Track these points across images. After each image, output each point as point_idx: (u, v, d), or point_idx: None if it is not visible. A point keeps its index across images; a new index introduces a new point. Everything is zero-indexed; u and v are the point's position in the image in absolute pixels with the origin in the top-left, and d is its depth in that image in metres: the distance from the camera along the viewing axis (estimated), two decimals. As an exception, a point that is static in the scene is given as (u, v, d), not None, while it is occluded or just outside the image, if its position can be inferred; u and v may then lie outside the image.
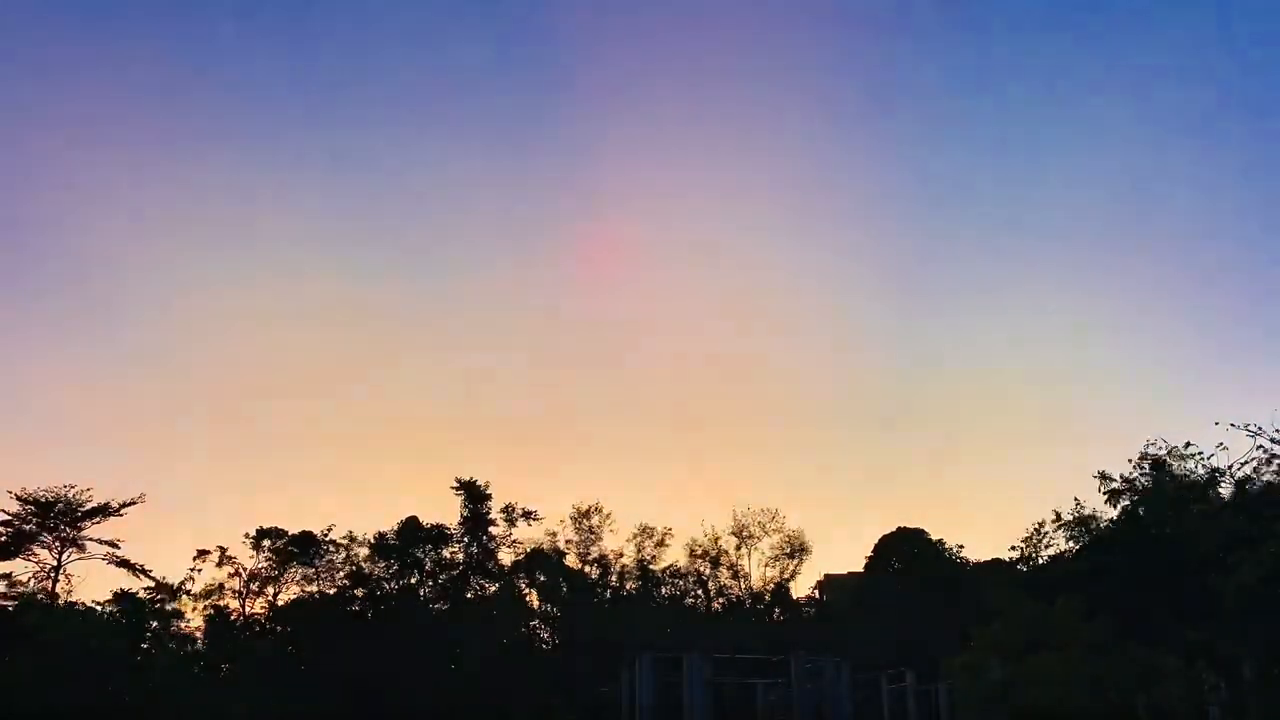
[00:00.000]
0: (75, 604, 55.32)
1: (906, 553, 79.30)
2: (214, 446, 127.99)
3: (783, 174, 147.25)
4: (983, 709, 28.08)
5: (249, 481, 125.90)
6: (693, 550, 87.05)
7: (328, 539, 76.67)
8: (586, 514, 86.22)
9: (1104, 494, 72.27)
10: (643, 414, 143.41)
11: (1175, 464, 67.67)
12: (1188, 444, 66.49)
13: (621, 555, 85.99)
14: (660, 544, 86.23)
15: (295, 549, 76.08)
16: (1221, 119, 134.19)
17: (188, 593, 73.36)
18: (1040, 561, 78.72)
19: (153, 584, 64.25)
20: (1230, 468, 60.72)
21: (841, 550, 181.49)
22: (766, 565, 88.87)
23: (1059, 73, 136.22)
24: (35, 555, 61.34)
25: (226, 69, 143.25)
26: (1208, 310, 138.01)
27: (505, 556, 75.89)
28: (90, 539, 62.79)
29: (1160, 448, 68.58)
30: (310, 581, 76.39)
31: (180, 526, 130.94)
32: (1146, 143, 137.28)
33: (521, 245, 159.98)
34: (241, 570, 75.94)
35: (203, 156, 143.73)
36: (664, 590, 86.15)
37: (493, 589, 72.27)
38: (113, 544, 62.91)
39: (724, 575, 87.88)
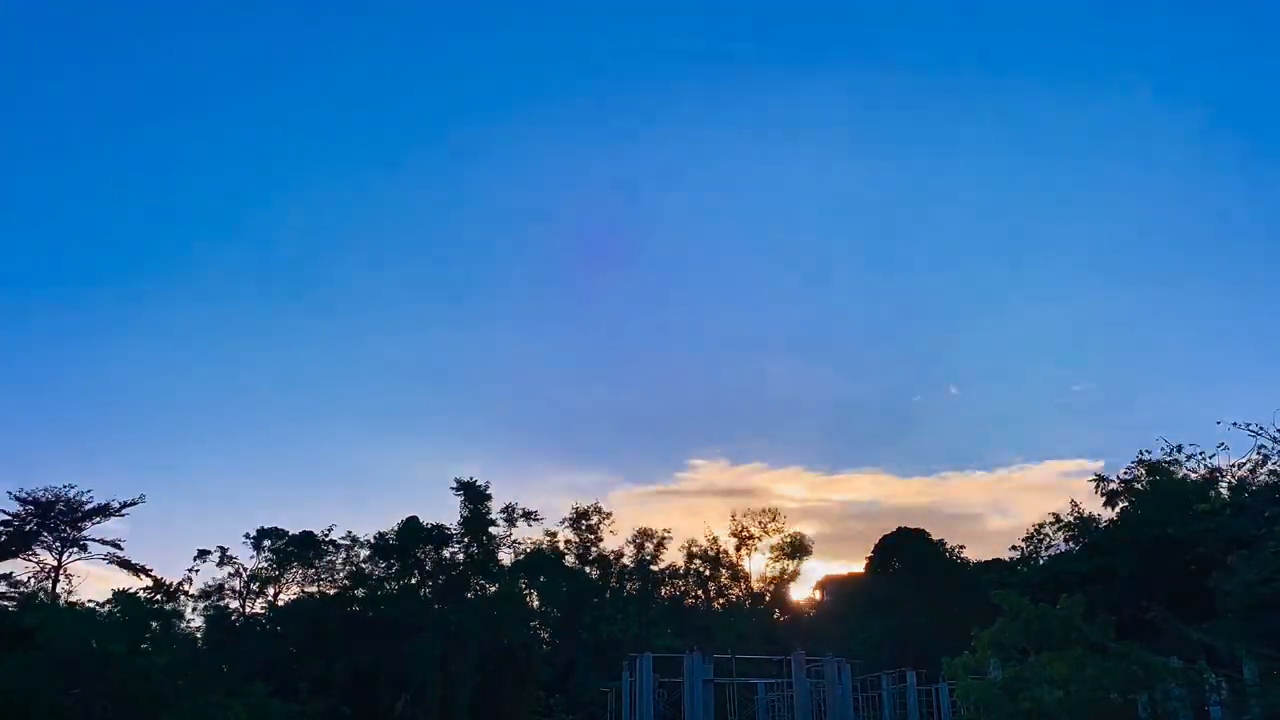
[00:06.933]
0: (75, 604, 55.53)
1: (906, 553, 79.40)
2: (214, 446, 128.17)
3: (782, 177, 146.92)
4: (983, 709, 28.08)
5: (249, 481, 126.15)
6: (691, 552, 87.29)
7: (328, 539, 76.76)
8: (586, 514, 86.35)
9: (1101, 496, 72.78)
10: (644, 414, 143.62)
11: (1173, 466, 68.03)
12: (1178, 446, 66.91)
13: (621, 556, 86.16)
14: (659, 545, 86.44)
15: (295, 549, 76.16)
16: (1224, 114, 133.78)
17: (187, 593, 73.57)
18: (1041, 562, 79.12)
19: (153, 584, 64.37)
20: (1230, 468, 61.11)
21: (841, 550, 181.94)
22: (766, 566, 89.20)
23: (1068, 70, 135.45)
24: (35, 555, 61.65)
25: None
26: (1208, 309, 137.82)
27: (505, 557, 76.00)
28: (90, 539, 63.08)
29: (1161, 447, 68.95)
30: (310, 581, 76.49)
31: (180, 526, 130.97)
32: (1146, 140, 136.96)
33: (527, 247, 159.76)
34: (242, 570, 76.11)
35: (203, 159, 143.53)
36: (664, 590, 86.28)
37: (493, 589, 72.27)
38: (113, 544, 63.23)
39: (724, 576, 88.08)
